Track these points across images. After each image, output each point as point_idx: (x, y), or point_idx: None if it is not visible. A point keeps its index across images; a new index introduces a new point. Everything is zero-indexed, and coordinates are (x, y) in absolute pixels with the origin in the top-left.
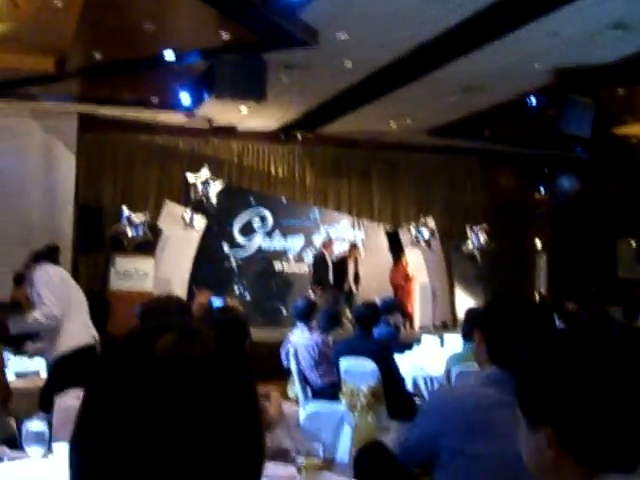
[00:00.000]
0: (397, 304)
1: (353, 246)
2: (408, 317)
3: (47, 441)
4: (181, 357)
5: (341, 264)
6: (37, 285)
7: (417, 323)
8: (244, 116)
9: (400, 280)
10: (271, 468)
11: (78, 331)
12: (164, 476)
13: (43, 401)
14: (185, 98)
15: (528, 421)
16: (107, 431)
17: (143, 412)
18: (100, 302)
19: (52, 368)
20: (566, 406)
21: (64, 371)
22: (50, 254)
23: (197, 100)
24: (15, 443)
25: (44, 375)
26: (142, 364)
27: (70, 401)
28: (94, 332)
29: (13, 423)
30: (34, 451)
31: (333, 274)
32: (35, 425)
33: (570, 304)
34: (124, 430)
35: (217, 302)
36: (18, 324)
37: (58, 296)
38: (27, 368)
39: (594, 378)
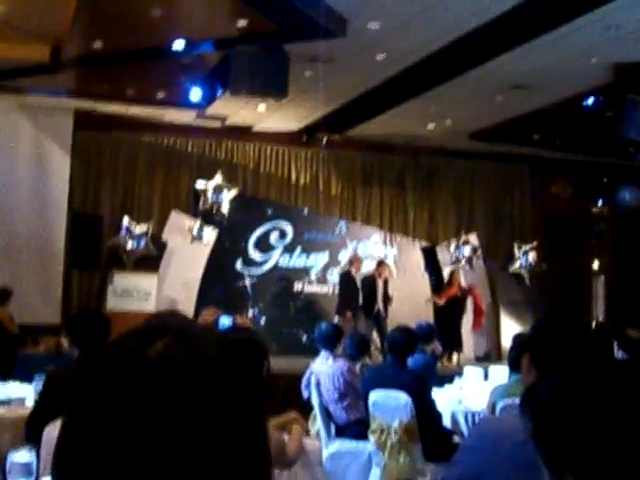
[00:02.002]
0: (436, 331)
1: (381, 263)
2: (457, 345)
3: (34, 474)
4: (175, 362)
5: (368, 284)
6: None
7: (456, 354)
8: (262, 115)
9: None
10: None
11: None
12: None
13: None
14: (196, 94)
15: (547, 467)
16: (91, 440)
17: (130, 419)
18: (99, 320)
19: None
20: (586, 455)
21: None
22: None
23: (209, 96)
24: None
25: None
26: (132, 367)
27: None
28: None
29: None
30: None
31: (366, 301)
32: (21, 456)
33: (633, 331)
34: (108, 438)
35: (225, 321)
36: None
37: None
38: (10, 395)
39: (619, 423)
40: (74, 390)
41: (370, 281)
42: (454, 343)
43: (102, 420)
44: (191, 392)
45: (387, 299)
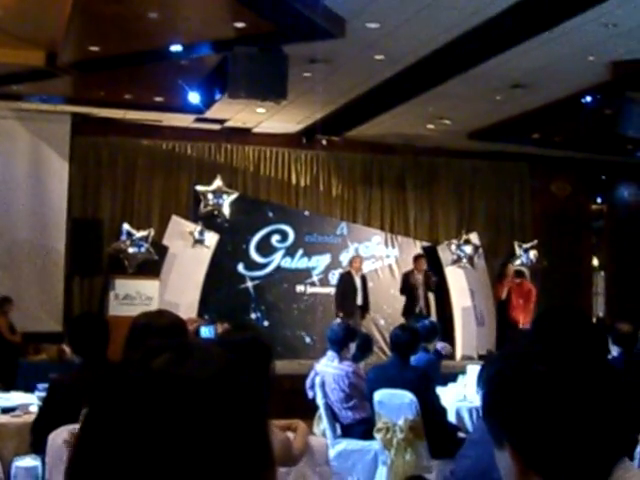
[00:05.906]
0: (437, 328)
1: (418, 257)
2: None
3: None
4: (174, 376)
5: (408, 282)
6: None
7: (459, 352)
8: (261, 117)
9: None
10: None
11: None
12: None
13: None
14: (194, 97)
15: (493, 439)
16: (101, 452)
17: (136, 431)
18: (97, 324)
19: None
20: (524, 426)
21: None
22: None
23: (208, 99)
24: None
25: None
26: (136, 383)
27: (63, 438)
28: None
29: None
30: None
31: (407, 298)
32: (26, 462)
33: (624, 325)
34: (118, 447)
35: (206, 331)
36: None
37: None
38: (13, 403)
39: (556, 400)
40: (82, 401)
41: (409, 278)
42: None
43: (111, 430)
44: (190, 401)
45: (430, 290)
